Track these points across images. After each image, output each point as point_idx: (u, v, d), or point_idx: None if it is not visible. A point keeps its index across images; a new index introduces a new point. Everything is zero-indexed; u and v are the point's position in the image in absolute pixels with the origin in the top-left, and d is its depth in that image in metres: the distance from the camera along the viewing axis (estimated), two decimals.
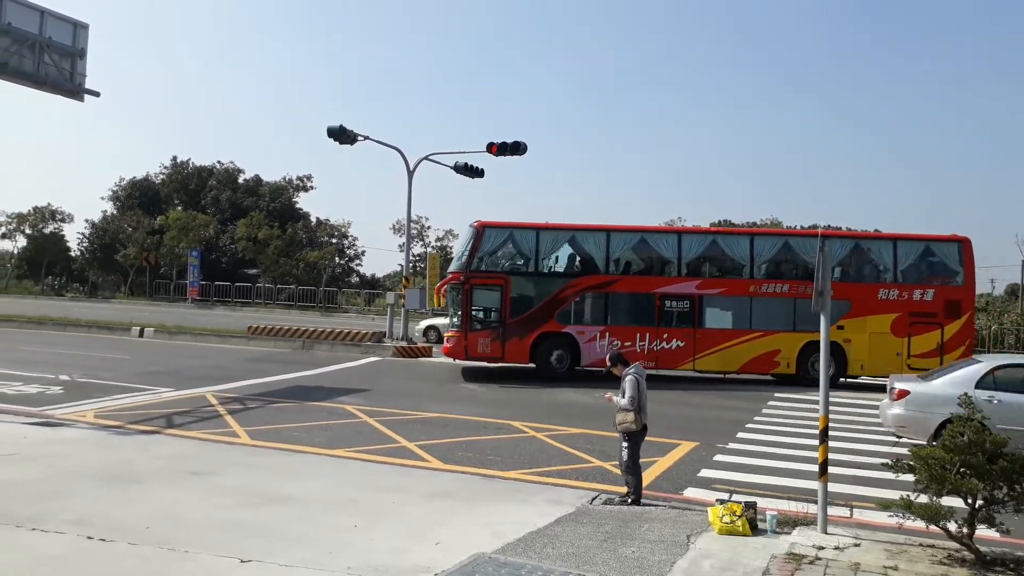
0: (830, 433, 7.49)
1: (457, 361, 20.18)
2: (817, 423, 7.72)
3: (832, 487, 7.65)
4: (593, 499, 8.49)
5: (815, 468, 7.82)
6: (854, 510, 8.51)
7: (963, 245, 19.23)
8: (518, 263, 19.66)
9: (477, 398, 16.25)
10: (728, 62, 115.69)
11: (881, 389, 14.87)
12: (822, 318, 7.58)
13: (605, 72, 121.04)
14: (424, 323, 29.67)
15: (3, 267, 65.01)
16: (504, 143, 24.79)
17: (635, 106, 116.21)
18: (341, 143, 24.59)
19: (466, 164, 26.80)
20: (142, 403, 13.97)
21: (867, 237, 22.22)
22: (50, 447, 10.17)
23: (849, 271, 19.61)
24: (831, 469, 7.53)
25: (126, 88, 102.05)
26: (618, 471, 9.09)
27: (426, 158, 27.00)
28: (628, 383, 8.35)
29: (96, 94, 17.39)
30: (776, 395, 17.19)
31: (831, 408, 7.68)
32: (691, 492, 9.26)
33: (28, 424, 11.67)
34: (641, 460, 8.54)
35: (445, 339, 20.51)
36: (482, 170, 27.14)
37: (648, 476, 9.34)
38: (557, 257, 19.78)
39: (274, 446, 10.75)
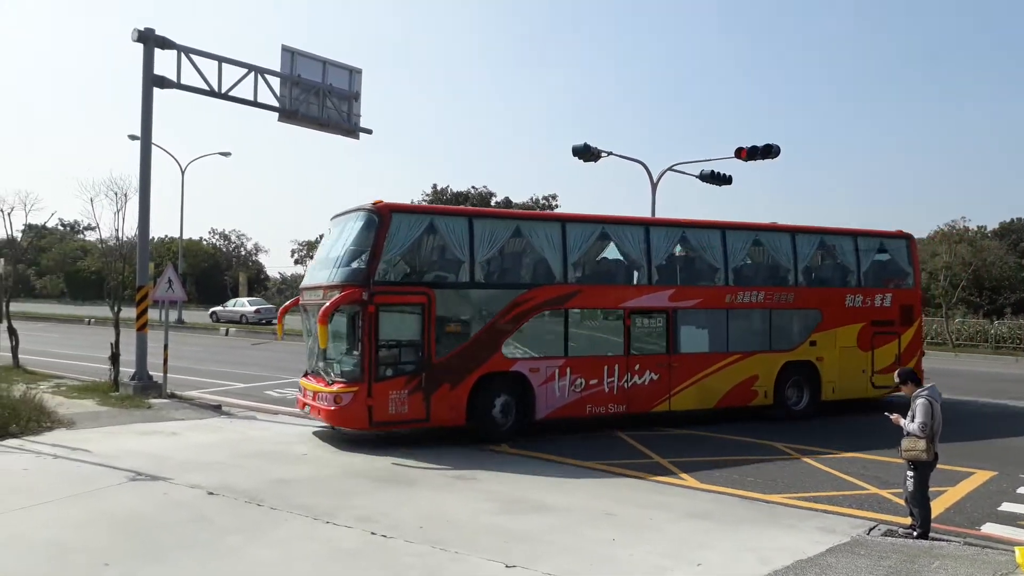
0: None
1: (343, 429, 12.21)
2: None
3: None
4: (871, 529, 7.73)
5: None
6: None
7: (910, 242, 16.74)
8: (447, 269, 12.45)
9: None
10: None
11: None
12: None
13: (866, 65, 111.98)
14: None
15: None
16: (755, 147, 23.75)
17: (906, 98, 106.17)
18: (585, 160, 25.07)
19: (712, 172, 26.08)
20: None
21: (831, 232, 15.94)
22: (326, 448, 11.45)
23: (817, 274, 16.05)
24: None
25: (391, 123, 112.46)
26: (898, 500, 8.20)
27: (670, 169, 26.67)
28: (919, 408, 7.49)
29: (369, 132, 19.29)
30: None
31: None
32: (991, 528, 8.08)
33: (303, 426, 13.17)
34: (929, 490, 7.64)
35: (319, 397, 11.85)
36: (730, 177, 26.26)
37: (935, 508, 8.31)
38: (503, 259, 13.19)
39: (532, 455, 11.18)
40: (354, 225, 12.19)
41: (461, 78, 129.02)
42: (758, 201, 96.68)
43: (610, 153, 25.61)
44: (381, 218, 11.67)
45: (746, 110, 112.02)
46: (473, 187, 68.77)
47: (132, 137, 26.49)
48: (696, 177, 26.26)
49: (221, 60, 16.80)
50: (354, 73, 18.83)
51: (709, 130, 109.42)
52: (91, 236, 76.08)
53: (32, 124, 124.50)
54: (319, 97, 18.06)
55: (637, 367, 13.33)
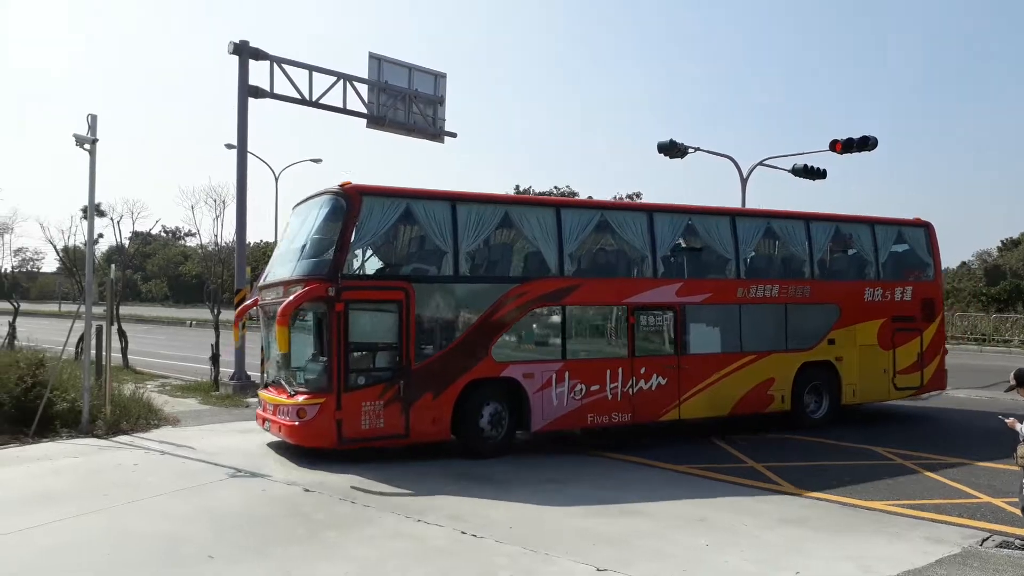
0: None
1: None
2: None
3: None
4: (984, 541, 7.28)
5: None
6: None
7: (929, 231, 15.23)
8: (427, 261, 11.11)
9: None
10: None
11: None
12: None
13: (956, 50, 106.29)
14: None
15: None
16: (850, 139, 22.83)
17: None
18: (671, 157, 24.64)
19: (805, 166, 25.18)
20: None
21: (846, 220, 14.65)
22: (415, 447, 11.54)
23: (833, 265, 14.65)
24: None
25: (475, 125, 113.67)
26: (1014, 510, 7.72)
27: (760, 163, 25.95)
28: None
29: (453, 135, 19.60)
30: None
31: None
32: None
33: None
34: None
35: (280, 411, 10.50)
36: (824, 171, 25.32)
37: None
38: (491, 249, 11.93)
39: (618, 457, 11.01)
40: (319, 212, 10.86)
41: (541, 78, 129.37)
42: (855, 197, 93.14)
43: (697, 149, 25.08)
44: (349, 202, 10.30)
45: (844, 102, 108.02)
46: (556, 187, 68.86)
47: (228, 146, 27.62)
48: (788, 172, 25.46)
49: (312, 69, 17.38)
50: (439, 78, 19.16)
51: (803, 123, 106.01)
52: (192, 242, 79.98)
53: (139, 135, 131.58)
54: (405, 102, 18.48)
55: (643, 370, 11.92)
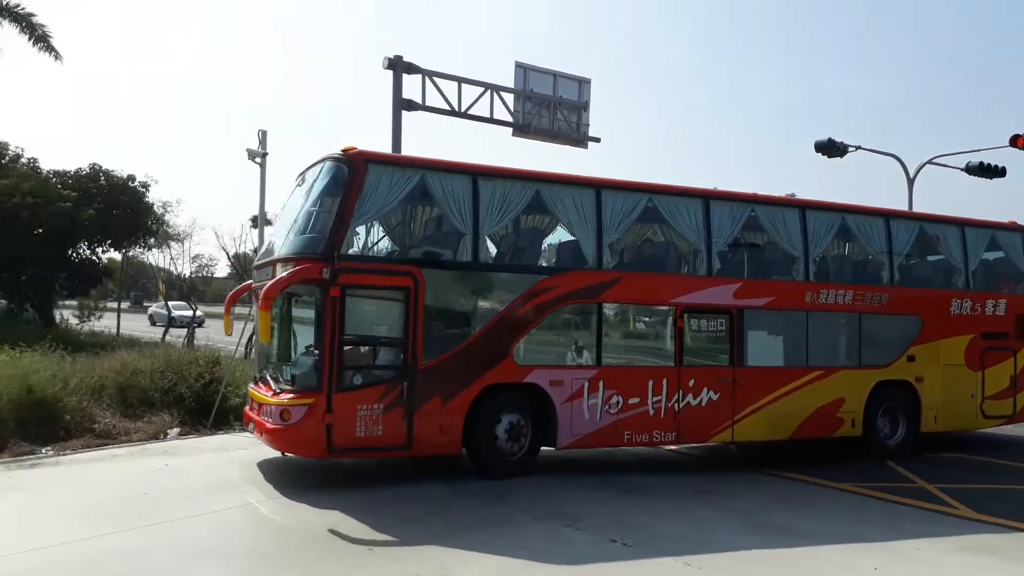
0: None
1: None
2: None
3: None
4: None
5: None
6: None
7: None
8: (442, 244, 9.57)
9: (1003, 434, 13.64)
10: None
11: None
12: None
13: None
14: None
15: None
16: None
17: None
18: (830, 156, 23.38)
19: (980, 163, 23.22)
20: None
21: (933, 220, 12.62)
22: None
23: (916, 271, 12.72)
24: None
25: (617, 130, 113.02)
26: None
27: (929, 162, 24.15)
28: None
29: (597, 140, 19.51)
30: None
31: None
32: None
33: None
34: None
35: (265, 411, 8.88)
36: (1003, 168, 23.20)
37: None
38: (518, 233, 10.52)
39: (773, 473, 10.08)
40: (318, 181, 9.23)
41: (682, 79, 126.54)
42: None
43: (858, 147, 23.64)
44: (352, 170, 8.71)
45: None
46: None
47: None
48: (961, 171, 23.52)
49: (461, 81, 17.82)
50: (583, 83, 19.13)
51: (977, 118, 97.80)
52: None
53: (301, 150, 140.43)
54: (550, 110, 18.58)
55: (692, 383, 10.17)
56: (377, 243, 9.87)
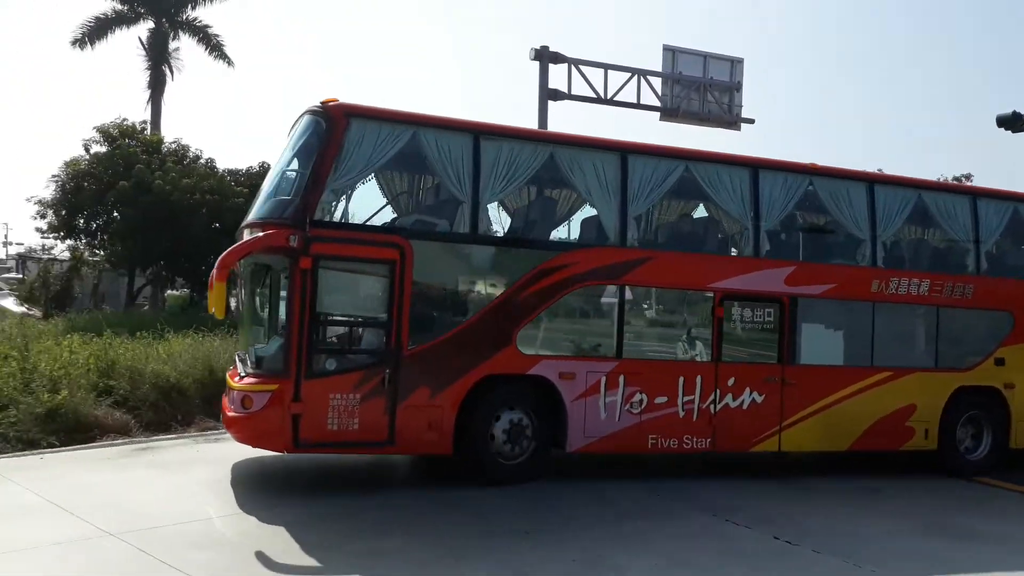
0: None
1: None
2: None
3: None
4: None
5: None
6: None
7: None
8: (436, 212, 8.49)
9: None
10: None
11: None
12: None
13: None
14: None
15: None
16: None
17: None
18: (1015, 131, 21.27)
19: None
20: None
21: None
22: None
23: (1007, 259, 10.77)
24: None
25: (770, 111, 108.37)
26: None
27: None
28: None
29: (751, 122, 18.89)
30: None
31: None
32: None
33: None
34: None
35: (231, 398, 7.82)
36: None
37: None
38: (526, 203, 9.37)
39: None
40: (296, 137, 8.17)
41: (836, 51, 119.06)
42: None
43: None
44: (331, 125, 7.60)
45: None
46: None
47: None
48: None
49: (607, 68, 17.76)
50: (735, 63, 18.59)
51: None
52: None
53: None
54: (700, 92, 18.19)
55: (731, 381, 8.81)
56: (358, 209, 8.56)
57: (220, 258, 7.26)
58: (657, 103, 18.09)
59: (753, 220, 9.13)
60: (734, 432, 8.82)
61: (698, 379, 8.69)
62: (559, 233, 9.27)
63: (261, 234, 7.55)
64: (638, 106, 18.02)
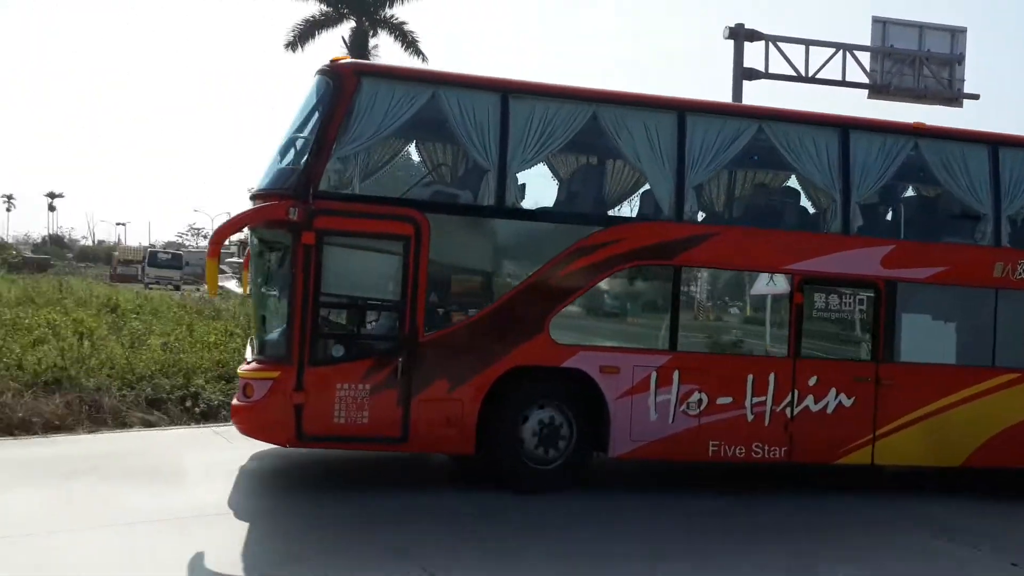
0: None
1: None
2: None
3: None
4: None
5: None
6: None
7: None
8: (457, 183, 7.84)
9: None
10: None
11: None
12: None
13: None
14: None
15: None
16: None
17: None
18: None
19: None
20: None
21: None
22: None
23: None
24: None
25: (996, 84, 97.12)
26: None
27: None
28: None
29: (975, 97, 17.46)
30: None
31: None
32: None
33: None
34: None
35: (240, 389, 6.94)
36: None
37: None
38: (563, 172, 8.28)
39: None
40: (305, 100, 7.43)
41: None
42: None
43: None
44: (338, 84, 6.86)
45: None
46: None
47: None
48: None
49: (808, 43, 16.96)
50: (956, 34, 17.16)
51: None
52: None
53: None
54: (914, 67, 16.93)
55: (813, 381, 7.53)
56: (370, 179, 7.95)
57: (213, 234, 7.01)
58: (865, 80, 16.97)
59: (842, 191, 7.79)
60: (816, 440, 7.60)
61: (771, 377, 7.48)
62: (601, 206, 8.26)
63: (262, 207, 6.91)
64: (844, 83, 17.00)
